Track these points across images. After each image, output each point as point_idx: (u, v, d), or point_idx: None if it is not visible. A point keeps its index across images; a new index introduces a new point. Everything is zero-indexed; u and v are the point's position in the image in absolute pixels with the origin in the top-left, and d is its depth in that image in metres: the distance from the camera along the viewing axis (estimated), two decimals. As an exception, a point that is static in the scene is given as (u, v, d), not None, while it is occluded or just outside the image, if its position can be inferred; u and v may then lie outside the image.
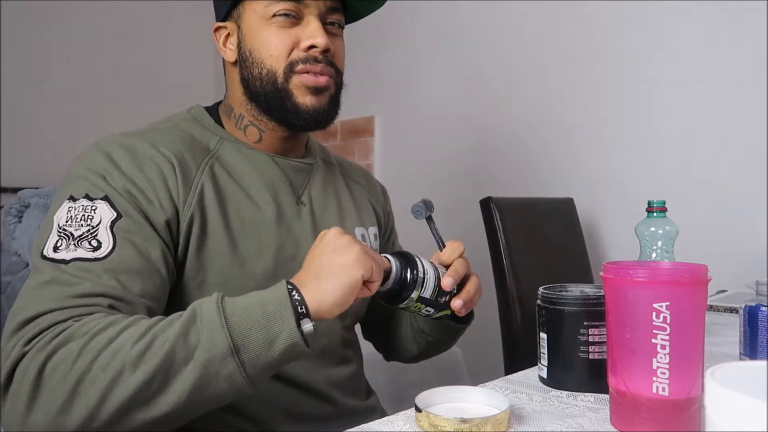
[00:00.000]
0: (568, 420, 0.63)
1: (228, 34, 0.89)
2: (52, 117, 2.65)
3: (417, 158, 2.36)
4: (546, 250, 1.58)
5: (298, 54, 0.83)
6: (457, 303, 0.79)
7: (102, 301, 0.66)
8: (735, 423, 0.36)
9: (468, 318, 0.92)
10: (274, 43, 0.83)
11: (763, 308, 0.77)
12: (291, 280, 0.67)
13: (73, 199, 0.72)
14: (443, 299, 0.79)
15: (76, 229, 0.69)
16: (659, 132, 1.72)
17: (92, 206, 0.71)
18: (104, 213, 0.71)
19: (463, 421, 0.56)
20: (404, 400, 0.72)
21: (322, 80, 0.84)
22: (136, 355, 0.59)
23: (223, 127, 0.89)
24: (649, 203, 0.96)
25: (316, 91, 0.84)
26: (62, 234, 0.69)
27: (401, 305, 0.76)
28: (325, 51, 0.84)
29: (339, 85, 0.89)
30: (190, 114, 0.90)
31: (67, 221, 0.70)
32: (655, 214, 0.95)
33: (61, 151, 2.59)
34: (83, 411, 0.59)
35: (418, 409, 0.60)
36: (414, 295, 0.75)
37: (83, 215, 0.70)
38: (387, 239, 1.09)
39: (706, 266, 0.58)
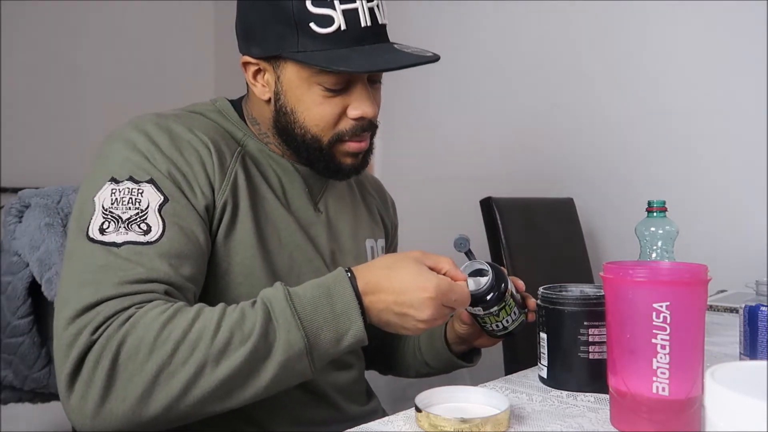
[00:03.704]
0: (568, 420, 0.63)
1: (259, 70, 0.82)
2: (52, 117, 2.65)
3: (417, 158, 2.35)
4: (546, 250, 1.57)
5: (346, 124, 0.80)
6: (532, 300, 0.84)
7: (158, 287, 0.66)
8: (735, 423, 0.36)
9: (476, 359, 0.95)
10: (319, 112, 0.79)
11: (763, 308, 0.77)
12: (358, 283, 0.67)
13: (115, 180, 0.71)
14: (519, 298, 0.83)
15: (123, 212, 0.69)
16: (659, 132, 1.72)
17: (138, 189, 0.70)
18: (151, 196, 0.70)
19: (463, 421, 0.56)
20: (404, 400, 0.72)
21: (364, 145, 0.83)
22: (218, 350, 0.61)
23: (246, 124, 0.88)
24: (649, 203, 0.96)
25: (356, 154, 0.84)
26: (108, 216, 0.68)
27: (496, 306, 0.77)
28: None
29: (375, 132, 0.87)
30: (215, 106, 0.88)
31: (112, 203, 0.69)
32: (655, 214, 0.95)
33: (61, 151, 2.59)
34: (163, 402, 0.60)
35: (418, 409, 0.60)
36: (508, 290, 0.77)
37: (130, 198, 0.69)
38: (391, 252, 1.10)
39: (706, 266, 0.58)
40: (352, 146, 0.82)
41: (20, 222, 0.93)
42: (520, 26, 2.05)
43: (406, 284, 0.66)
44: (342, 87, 0.78)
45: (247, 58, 0.82)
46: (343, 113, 0.80)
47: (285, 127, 0.82)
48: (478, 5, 2.15)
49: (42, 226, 0.90)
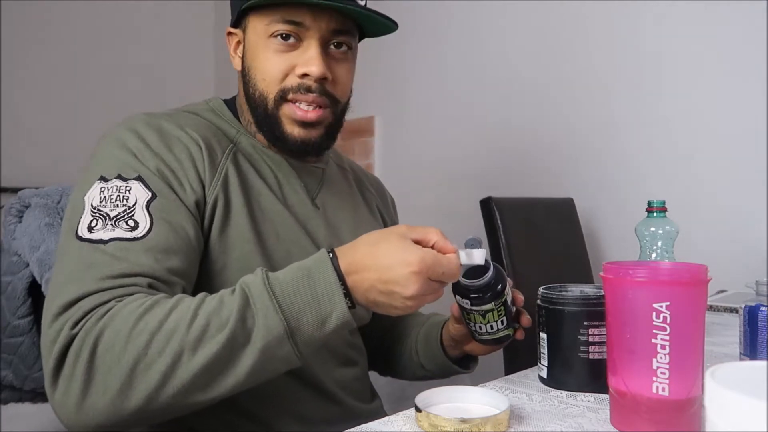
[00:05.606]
0: (568, 420, 0.63)
1: (238, 42, 0.87)
2: (52, 117, 2.65)
3: (417, 158, 2.35)
4: (546, 250, 1.57)
5: (291, 81, 0.80)
6: (526, 317, 0.82)
7: (141, 281, 0.66)
8: (735, 423, 0.36)
9: (472, 366, 0.94)
10: (267, 66, 0.80)
11: (763, 308, 0.77)
12: (341, 263, 0.65)
13: (104, 179, 0.71)
14: (514, 311, 0.81)
15: (111, 210, 0.69)
16: (659, 132, 1.72)
17: (126, 186, 0.71)
18: (139, 193, 0.70)
19: (463, 421, 0.56)
20: (404, 400, 0.72)
21: (312, 115, 0.81)
22: (194, 338, 0.60)
23: (239, 122, 0.89)
24: (649, 203, 0.96)
25: (304, 124, 0.82)
26: (97, 214, 0.69)
27: (486, 306, 0.75)
28: (322, 79, 0.80)
29: (338, 113, 0.85)
30: (209, 105, 0.89)
31: (101, 201, 0.69)
32: (655, 214, 0.95)
33: (61, 151, 2.59)
34: (142, 394, 0.60)
35: (418, 409, 0.60)
36: (504, 292, 0.76)
37: (118, 195, 0.70)
38: None
39: (706, 266, 0.58)
40: (296, 111, 0.81)
41: (20, 222, 0.93)
42: (522, 26, 2.05)
43: (390, 260, 0.63)
44: (295, 39, 0.80)
45: (229, 29, 0.87)
46: (291, 71, 0.81)
47: (248, 95, 0.84)
48: (480, 5, 2.16)
49: (42, 226, 0.90)
